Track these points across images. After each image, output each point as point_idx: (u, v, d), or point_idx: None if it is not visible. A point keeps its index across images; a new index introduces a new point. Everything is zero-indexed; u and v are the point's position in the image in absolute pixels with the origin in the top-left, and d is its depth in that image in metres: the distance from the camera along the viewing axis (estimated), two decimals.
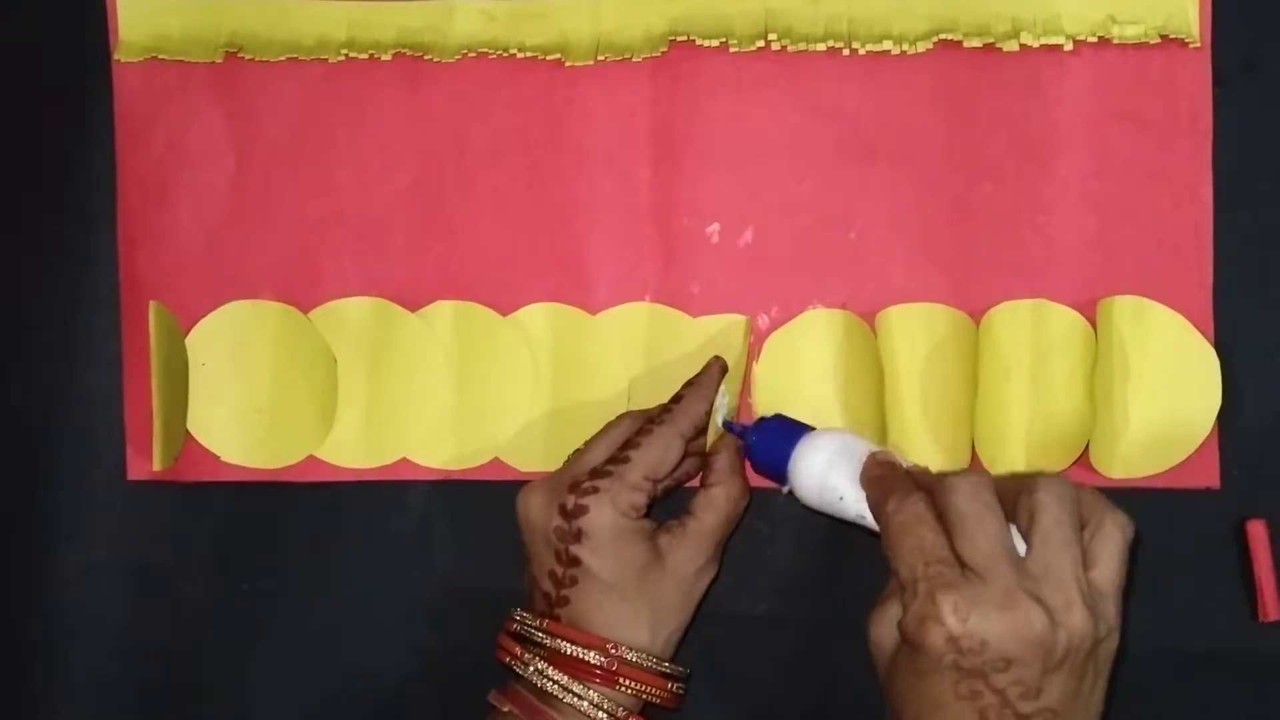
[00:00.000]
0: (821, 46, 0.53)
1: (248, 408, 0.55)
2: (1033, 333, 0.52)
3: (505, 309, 0.54)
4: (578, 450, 0.50)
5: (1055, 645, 0.40)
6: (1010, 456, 0.52)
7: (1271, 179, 0.53)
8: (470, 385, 0.54)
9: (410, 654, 0.55)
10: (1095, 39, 0.53)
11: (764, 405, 0.53)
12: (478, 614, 0.54)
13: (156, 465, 0.53)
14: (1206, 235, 0.53)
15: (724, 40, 0.53)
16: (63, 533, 0.55)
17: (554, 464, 0.54)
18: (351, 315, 0.55)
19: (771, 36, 0.53)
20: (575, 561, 0.46)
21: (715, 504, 0.49)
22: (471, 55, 0.54)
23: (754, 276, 0.54)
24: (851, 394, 0.53)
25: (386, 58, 0.54)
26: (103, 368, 0.55)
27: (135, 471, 0.55)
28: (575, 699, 0.45)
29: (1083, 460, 0.53)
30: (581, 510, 0.46)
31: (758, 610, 0.50)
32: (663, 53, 0.53)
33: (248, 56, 0.54)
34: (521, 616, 0.47)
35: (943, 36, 0.53)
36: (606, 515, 0.46)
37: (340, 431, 0.55)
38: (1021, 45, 0.53)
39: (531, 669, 0.46)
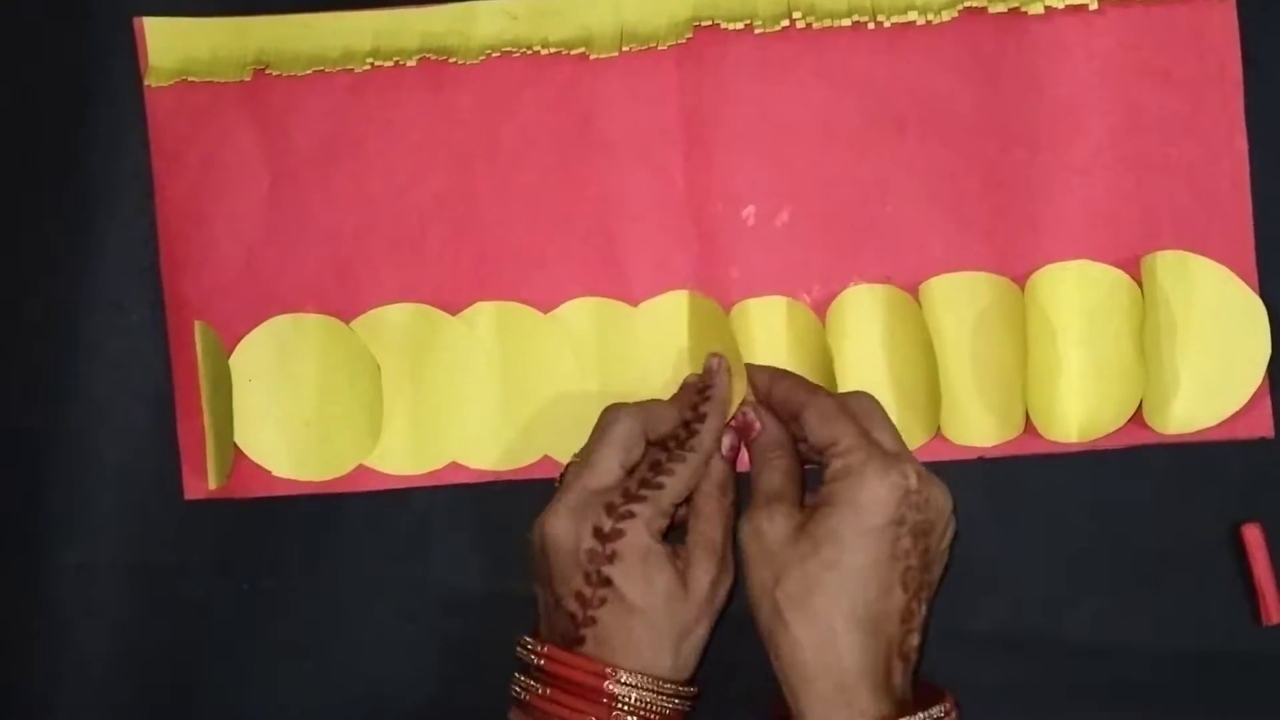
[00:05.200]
0: (846, 21, 0.53)
1: (295, 421, 0.55)
2: (1078, 294, 0.52)
3: (546, 306, 0.54)
4: (576, 463, 0.49)
5: (946, 523, 0.47)
6: (1063, 420, 0.52)
7: None
8: (516, 385, 0.54)
9: (410, 654, 0.55)
10: None
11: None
12: (478, 614, 0.54)
13: (212, 484, 0.53)
14: (1244, 186, 0.53)
15: (748, 22, 0.53)
16: (63, 533, 0.55)
17: None
18: (393, 323, 0.55)
19: (796, 15, 0.53)
20: (606, 582, 0.46)
21: (703, 511, 0.48)
22: (496, 55, 0.54)
23: (793, 256, 0.54)
24: (901, 367, 0.53)
25: (412, 64, 0.54)
26: (104, 369, 0.55)
27: (192, 491, 0.55)
28: None
29: (1136, 418, 0.52)
30: (618, 534, 0.46)
31: None
32: (688, 39, 0.53)
33: (275, 73, 0.55)
34: (524, 642, 0.47)
35: (967, 4, 0.53)
36: (642, 538, 0.46)
37: (389, 439, 0.55)
38: (1046, 7, 0.52)
39: (530, 693, 0.46)
